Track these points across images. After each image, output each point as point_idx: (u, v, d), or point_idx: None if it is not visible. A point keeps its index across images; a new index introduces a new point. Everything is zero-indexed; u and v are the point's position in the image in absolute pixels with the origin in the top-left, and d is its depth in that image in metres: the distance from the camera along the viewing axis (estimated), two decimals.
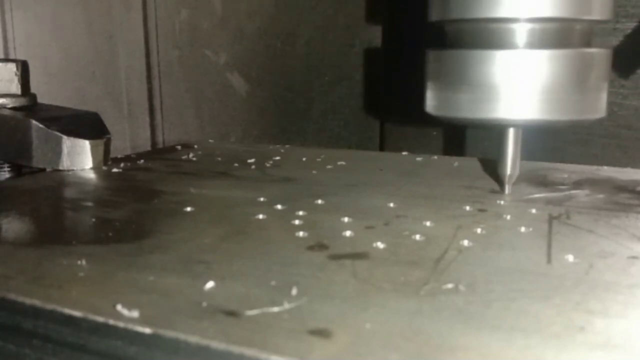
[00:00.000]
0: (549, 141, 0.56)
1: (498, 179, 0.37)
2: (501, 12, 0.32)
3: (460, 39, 0.35)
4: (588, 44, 0.35)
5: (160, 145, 0.62)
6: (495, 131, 0.36)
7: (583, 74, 0.34)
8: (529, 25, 0.33)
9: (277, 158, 0.48)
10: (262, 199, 0.35)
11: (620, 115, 0.54)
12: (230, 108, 0.65)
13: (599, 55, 0.34)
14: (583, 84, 0.34)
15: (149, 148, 0.62)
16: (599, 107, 0.35)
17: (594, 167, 0.43)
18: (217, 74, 0.64)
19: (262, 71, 0.65)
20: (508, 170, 0.36)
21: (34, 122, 0.42)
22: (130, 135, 0.61)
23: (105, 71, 0.59)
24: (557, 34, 0.34)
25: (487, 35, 0.34)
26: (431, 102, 0.37)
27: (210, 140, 0.60)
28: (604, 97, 0.35)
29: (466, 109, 0.34)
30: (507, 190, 0.36)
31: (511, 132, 0.35)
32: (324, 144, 0.68)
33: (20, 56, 0.51)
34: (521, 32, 0.33)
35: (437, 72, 0.36)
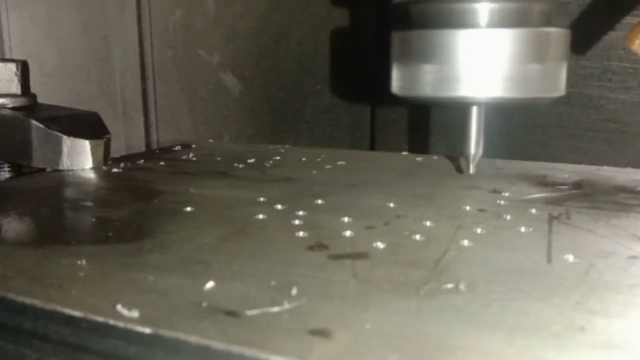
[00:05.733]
0: (536, 136, 0.56)
1: (464, 159, 0.38)
2: None
3: (423, 20, 0.36)
4: (547, 23, 0.36)
5: (155, 145, 0.63)
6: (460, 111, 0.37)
7: (542, 52, 0.34)
8: (490, 5, 0.34)
9: (277, 158, 0.48)
10: (262, 199, 0.35)
11: (607, 108, 0.54)
12: (223, 108, 0.65)
13: (558, 34, 0.35)
14: (542, 63, 0.34)
15: (143, 148, 0.62)
16: (558, 86, 0.36)
17: (594, 167, 0.43)
18: (211, 74, 0.64)
19: (255, 71, 0.65)
20: (472, 149, 0.36)
21: (34, 122, 0.42)
22: (124, 135, 0.61)
23: (100, 71, 0.59)
24: (517, 13, 0.34)
25: (449, 15, 0.35)
26: (396, 83, 0.37)
27: (210, 140, 0.60)
28: (563, 76, 0.36)
29: (430, 88, 0.35)
30: (471, 170, 0.37)
31: (474, 111, 0.36)
32: (317, 143, 0.68)
33: (16, 56, 0.51)
34: (482, 12, 0.34)
35: (401, 53, 0.37)
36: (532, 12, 0.35)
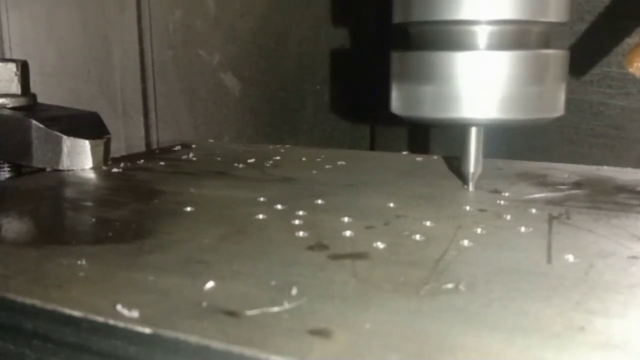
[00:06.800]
0: (536, 141, 0.56)
1: (462, 177, 0.38)
2: (461, 14, 0.33)
3: (422, 41, 0.36)
4: (546, 45, 0.36)
5: (155, 145, 0.63)
6: (459, 130, 0.37)
7: (541, 74, 0.35)
8: (489, 28, 0.34)
9: (277, 158, 0.48)
10: (262, 199, 0.35)
11: (607, 115, 0.54)
12: (223, 108, 0.65)
13: (556, 56, 0.36)
14: (541, 84, 0.35)
15: (143, 148, 0.62)
16: (557, 106, 0.36)
17: (594, 167, 0.43)
18: (211, 74, 0.64)
19: (255, 71, 0.65)
20: (471, 168, 0.37)
21: (34, 122, 0.42)
22: (124, 135, 0.61)
23: (100, 71, 0.59)
24: (516, 35, 0.35)
25: (448, 37, 0.35)
26: (396, 103, 0.38)
27: (210, 140, 0.60)
28: (562, 96, 0.36)
29: (429, 109, 0.36)
30: (471, 187, 0.37)
31: (473, 131, 0.36)
32: (317, 143, 0.68)
33: (16, 56, 0.51)
34: (481, 34, 0.34)
35: (401, 73, 0.37)
36: (530, 33, 0.35)
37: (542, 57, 0.35)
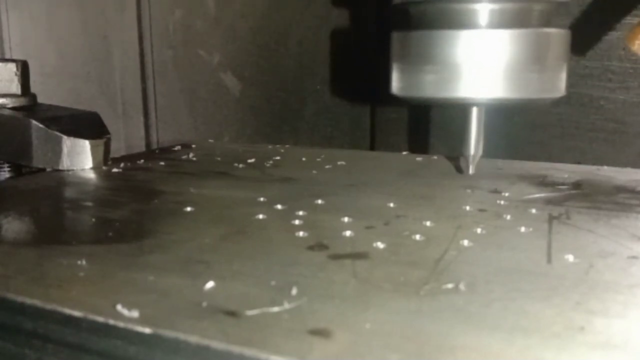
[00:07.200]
0: (536, 135, 0.56)
1: (463, 159, 0.38)
2: None
3: (423, 21, 0.36)
4: (547, 24, 0.36)
5: (155, 145, 0.63)
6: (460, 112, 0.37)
7: (542, 53, 0.34)
8: (490, 6, 0.34)
9: (277, 158, 0.48)
10: (262, 199, 0.35)
11: (607, 108, 0.54)
12: (223, 108, 0.65)
13: (558, 35, 0.35)
14: (542, 63, 0.34)
15: (143, 148, 0.62)
16: (558, 86, 0.36)
17: (594, 167, 0.43)
18: (211, 74, 0.64)
19: (255, 71, 0.66)
20: (472, 150, 0.37)
21: (34, 122, 0.42)
22: (124, 135, 0.61)
23: (100, 71, 0.59)
24: (517, 14, 0.34)
25: (449, 16, 0.35)
26: (396, 84, 0.37)
27: (210, 140, 0.60)
28: (563, 76, 0.36)
29: (430, 89, 0.35)
30: (471, 170, 0.37)
31: (474, 111, 0.36)
32: (317, 143, 0.68)
33: (16, 56, 0.51)
34: (482, 13, 0.34)
35: (401, 53, 0.37)
36: (531, 12, 0.35)
37: (543, 35, 0.34)
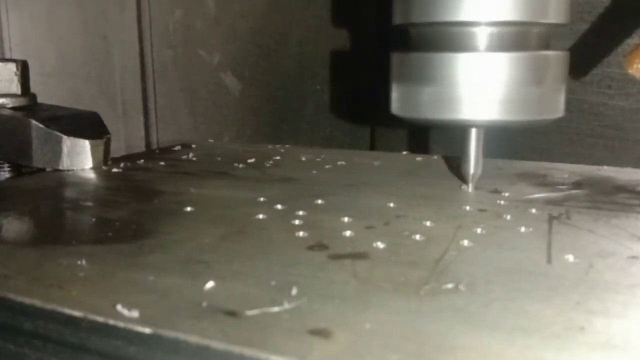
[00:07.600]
0: (536, 142, 0.56)
1: (462, 177, 0.38)
2: (461, 16, 0.34)
3: (423, 42, 0.36)
4: (546, 46, 0.36)
5: (155, 145, 0.63)
6: (460, 131, 0.37)
7: (541, 75, 0.35)
8: (489, 29, 0.34)
9: (277, 158, 0.48)
10: (262, 199, 0.35)
11: (606, 115, 0.54)
12: (223, 108, 0.65)
13: (556, 57, 0.36)
14: (541, 86, 0.35)
15: (143, 148, 0.62)
16: (557, 108, 0.36)
17: (594, 167, 0.43)
18: (211, 73, 0.64)
19: (255, 71, 0.66)
20: (471, 170, 0.37)
21: (34, 122, 0.42)
22: (124, 135, 0.61)
23: (100, 71, 0.59)
24: (516, 37, 0.35)
25: (449, 38, 0.35)
26: (396, 104, 0.38)
27: (210, 140, 0.60)
28: (561, 97, 0.36)
29: (429, 110, 0.36)
30: (470, 189, 0.37)
31: (473, 132, 0.36)
32: (317, 143, 0.68)
33: (16, 56, 0.51)
34: (481, 36, 0.34)
35: (401, 74, 0.37)
36: (530, 35, 0.35)
37: (542, 58, 0.35)
